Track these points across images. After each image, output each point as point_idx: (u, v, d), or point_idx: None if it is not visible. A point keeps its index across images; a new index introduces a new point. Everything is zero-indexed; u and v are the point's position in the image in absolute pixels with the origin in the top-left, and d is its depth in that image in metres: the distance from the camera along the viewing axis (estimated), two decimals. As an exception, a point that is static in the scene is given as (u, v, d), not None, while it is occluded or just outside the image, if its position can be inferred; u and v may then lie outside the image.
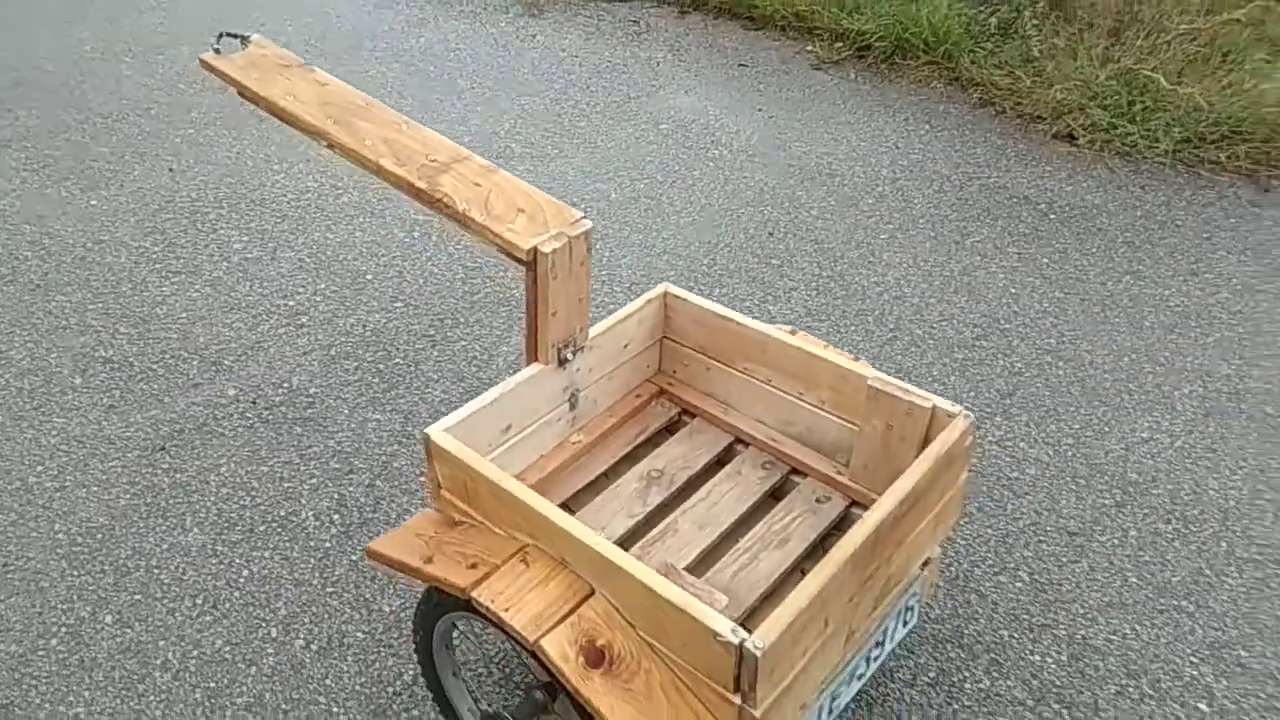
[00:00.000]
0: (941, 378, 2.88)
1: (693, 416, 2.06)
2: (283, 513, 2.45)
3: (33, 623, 2.18)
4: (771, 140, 4.12)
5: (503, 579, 1.54)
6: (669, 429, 2.05)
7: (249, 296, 3.18)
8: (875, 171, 3.90)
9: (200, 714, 2.01)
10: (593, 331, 1.90)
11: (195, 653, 2.13)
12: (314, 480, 2.54)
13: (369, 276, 3.28)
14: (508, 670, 2.07)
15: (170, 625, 2.18)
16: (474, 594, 1.51)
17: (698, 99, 4.45)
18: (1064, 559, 2.34)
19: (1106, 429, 2.71)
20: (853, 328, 3.08)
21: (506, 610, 1.49)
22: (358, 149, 1.84)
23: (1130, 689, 2.07)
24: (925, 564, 1.78)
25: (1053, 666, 2.11)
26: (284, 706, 2.03)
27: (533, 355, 1.82)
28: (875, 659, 1.74)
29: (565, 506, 1.86)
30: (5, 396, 2.78)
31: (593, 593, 1.52)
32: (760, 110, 4.37)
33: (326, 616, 2.20)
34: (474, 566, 1.57)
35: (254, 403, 2.77)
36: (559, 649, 1.44)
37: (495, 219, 1.71)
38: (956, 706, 2.03)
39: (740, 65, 4.79)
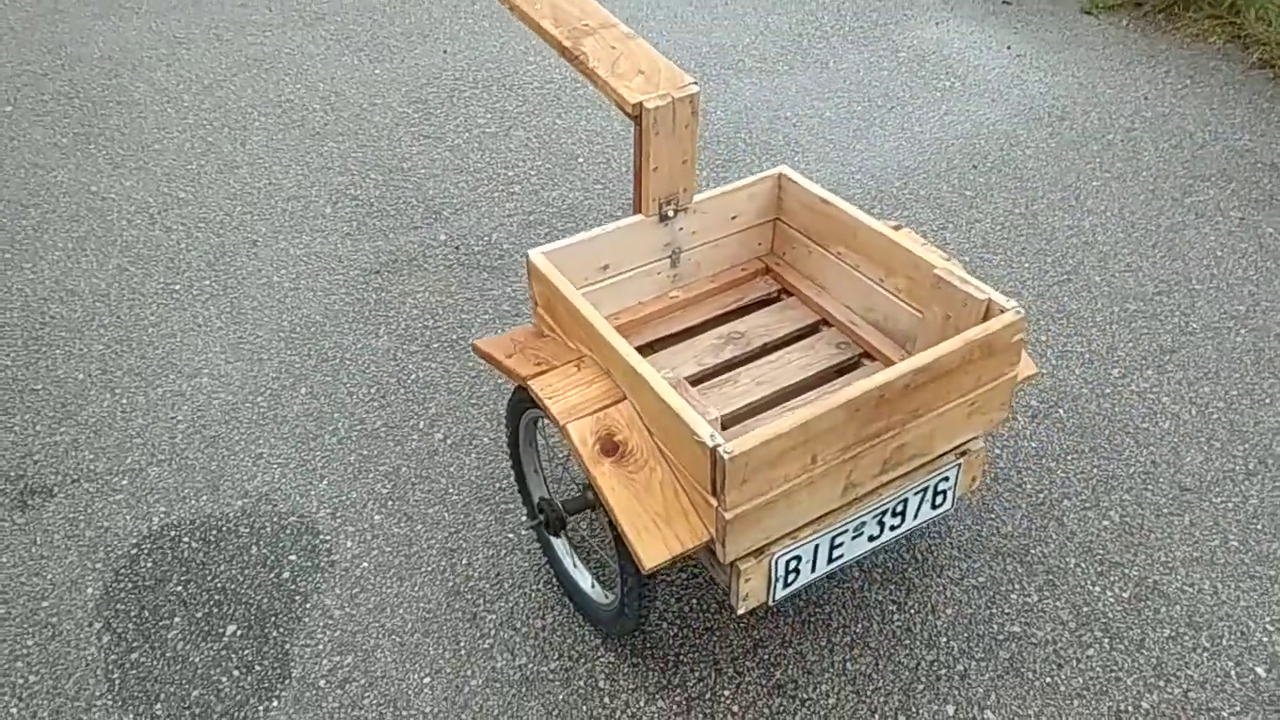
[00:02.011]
0: (1103, 324, 2.81)
1: (790, 295, 2.21)
2: (454, 336, 2.85)
3: (248, 383, 2.73)
4: (1010, 78, 4.01)
5: (556, 376, 1.81)
6: (765, 303, 2.21)
7: (478, 164, 3.61)
8: (1111, 120, 3.72)
9: (350, 472, 2.46)
10: (701, 198, 2.09)
11: (359, 427, 2.58)
12: (486, 316, 2.92)
13: (580, 159, 3.61)
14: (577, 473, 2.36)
15: (347, 404, 2.65)
16: (530, 383, 1.80)
17: (945, 31, 4.39)
18: (1165, 510, 2.28)
19: (1268, 401, 2.55)
20: (1027, 265, 3.04)
21: (550, 399, 1.76)
22: (526, 9, 2.13)
23: (1185, 637, 2.03)
24: (963, 454, 1.86)
25: (1110, 600, 2.10)
26: (413, 480, 2.43)
27: (638, 207, 2.05)
28: (892, 529, 1.85)
29: (648, 348, 2.09)
30: (272, 214, 3.38)
31: (624, 399, 1.75)
32: (1009, 49, 4.24)
33: (465, 421, 2.58)
34: (538, 364, 1.85)
35: (457, 248, 3.20)
36: (581, 434, 1.70)
37: (617, 76, 1.94)
38: (994, 611, 2.09)
39: (1004, 2, 4.64)
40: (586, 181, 3.50)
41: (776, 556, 1.69)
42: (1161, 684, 1.95)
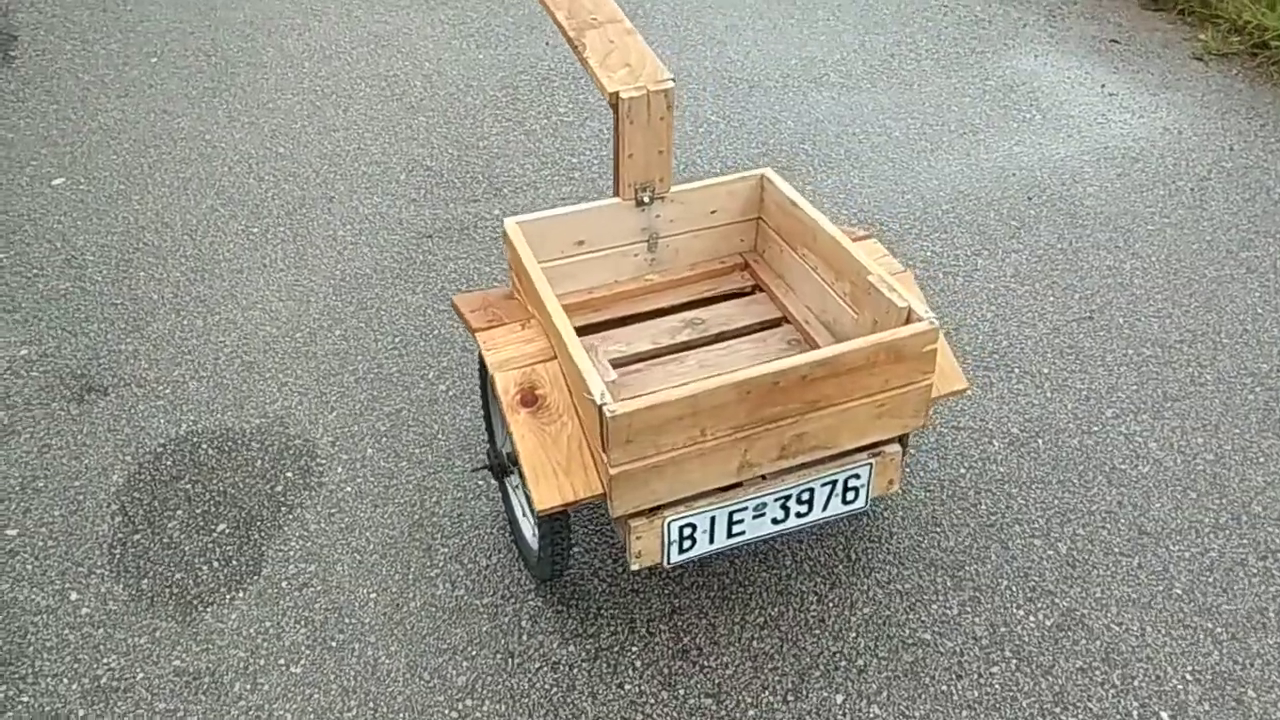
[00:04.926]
0: (1112, 365, 2.78)
1: (762, 291, 2.31)
2: (481, 302, 3.07)
3: (292, 320, 3.01)
4: (1094, 116, 3.95)
5: (501, 331, 1.98)
6: (736, 296, 2.32)
7: (548, 148, 3.83)
8: (1187, 167, 3.62)
9: (358, 408, 2.70)
10: (680, 188, 2.23)
11: (376, 370, 2.82)
12: (516, 287, 3.13)
13: (644, 153, 3.77)
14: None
15: (371, 349, 2.89)
16: (476, 334, 1.98)
17: (1042, 64, 4.34)
18: (1117, 550, 2.27)
19: (1260, 460, 2.48)
20: (1052, 300, 3.02)
21: (489, 350, 1.93)
22: (549, 1, 2.31)
23: (1097, 671, 2.03)
24: (877, 454, 1.93)
25: (1030, 625, 2.12)
26: (410, 422, 2.65)
27: (616, 190, 2.20)
28: (799, 515, 1.94)
29: (616, 323, 2.24)
30: (353, 176, 3.69)
31: (554, 358, 1.91)
32: (1103, 88, 4.17)
33: (470, 377, 2.78)
34: (491, 320, 2.03)
35: (507, 222, 3.42)
36: (505, 383, 1.87)
37: (605, 67, 2.10)
38: (910, 617, 2.14)
39: (1112, 41, 4.55)
40: (644, 175, 3.65)
41: (670, 520, 1.82)
42: (1058, 710, 1.97)
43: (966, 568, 2.24)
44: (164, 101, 4.17)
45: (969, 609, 2.15)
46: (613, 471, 1.70)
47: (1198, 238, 3.27)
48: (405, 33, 4.71)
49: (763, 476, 1.88)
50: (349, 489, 2.47)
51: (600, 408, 1.66)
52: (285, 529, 2.38)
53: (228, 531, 2.38)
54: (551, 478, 1.78)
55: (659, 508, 1.81)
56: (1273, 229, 3.29)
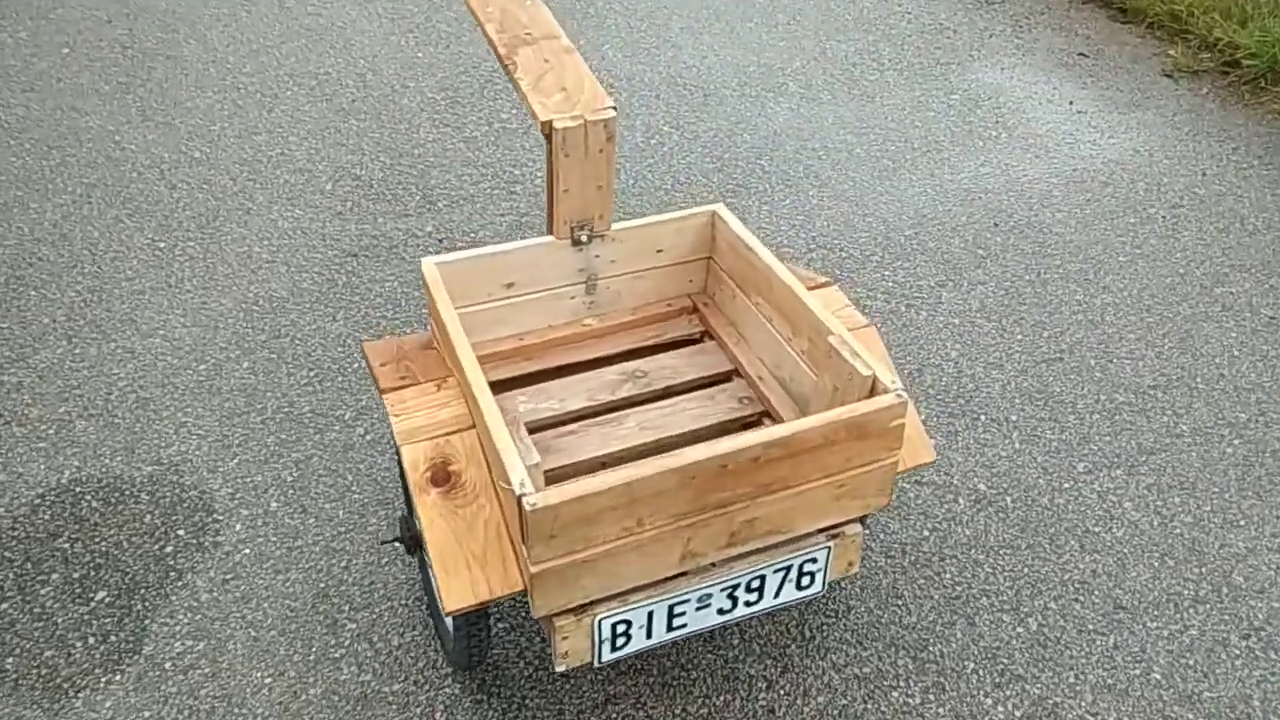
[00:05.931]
0: (1084, 412, 2.60)
1: (712, 339, 2.09)
2: (408, 331, 2.81)
3: (196, 349, 2.73)
4: (1061, 136, 3.78)
5: (413, 393, 1.74)
6: (684, 343, 2.10)
7: (488, 158, 3.57)
8: (1159, 192, 3.47)
9: (264, 454, 2.43)
10: (621, 226, 1.99)
11: (287, 409, 2.55)
12: (447, 315, 2.87)
13: (590, 166, 3.53)
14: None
15: (282, 384, 2.63)
16: (384, 396, 1.73)
17: (1008, 78, 4.17)
18: (1091, 627, 2.09)
19: (1241, 523, 2.32)
20: (1020, 337, 2.84)
21: (396, 416, 1.69)
22: (478, 11, 2.06)
23: (1071, 772, 1.85)
24: (835, 536, 1.72)
25: (999, 716, 1.93)
26: (321, 472, 2.39)
27: (550, 227, 1.96)
28: (748, 604, 1.72)
29: (549, 374, 2.00)
30: (273, 184, 3.40)
31: (472, 427, 1.67)
32: (1071, 104, 4.00)
33: (386, 421, 2.53)
34: (403, 378, 1.78)
35: (440, 241, 3.16)
36: (413, 458, 1.63)
37: (538, 91, 1.86)
38: (869, 707, 1.93)
39: (1080, 55, 4.39)
40: (590, 190, 3.41)
41: (601, 618, 1.59)
42: (1029, 819, 1.78)
43: (930, 647, 2.04)
44: (73, 97, 3.84)
45: (932, 697, 1.95)
46: (534, 569, 1.47)
47: (1170, 271, 3.11)
48: (339, 26, 4.42)
49: (710, 564, 1.66)
50: (247, 550, 2.21)
51: (519, 499, 1.42)
52: (173, 598, 2.11)
53: (108, 601, 2.11)
54: (464, 571, 1.54)
55: (589, 604, 1.59)
56: (1248, 262, 3.14)
